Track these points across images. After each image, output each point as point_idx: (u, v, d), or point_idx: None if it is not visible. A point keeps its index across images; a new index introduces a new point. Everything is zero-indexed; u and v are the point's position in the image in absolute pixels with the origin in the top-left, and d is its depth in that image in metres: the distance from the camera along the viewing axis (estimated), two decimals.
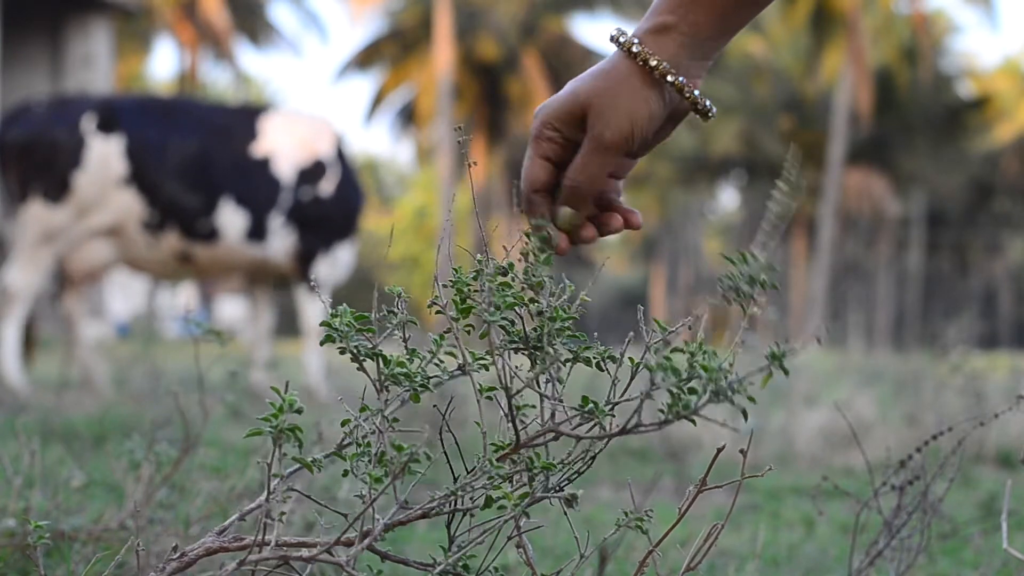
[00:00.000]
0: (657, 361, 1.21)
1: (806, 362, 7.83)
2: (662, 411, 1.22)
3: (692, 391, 1.21)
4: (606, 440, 1.26)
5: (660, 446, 4.52)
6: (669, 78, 1.29)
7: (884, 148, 37.86)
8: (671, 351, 1.22)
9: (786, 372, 1.21)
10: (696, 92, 1.30)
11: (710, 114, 1.33)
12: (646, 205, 42.08)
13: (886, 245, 40.03)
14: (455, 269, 1.26)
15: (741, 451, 1.30)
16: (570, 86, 1.32)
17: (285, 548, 1.24)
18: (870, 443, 4.23)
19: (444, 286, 1.26)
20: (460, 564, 1.26)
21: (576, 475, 1.28)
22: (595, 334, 1.32)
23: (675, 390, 1.20)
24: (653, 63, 1.28)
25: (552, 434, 1.25)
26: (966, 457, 3.53)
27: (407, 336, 1.26)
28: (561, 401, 1.26)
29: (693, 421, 1.23)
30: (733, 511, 1.35)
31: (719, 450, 1.28)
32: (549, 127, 1.32)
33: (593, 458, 1.28)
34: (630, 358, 1.25)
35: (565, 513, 1.30)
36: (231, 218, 6.87)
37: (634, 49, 1.29)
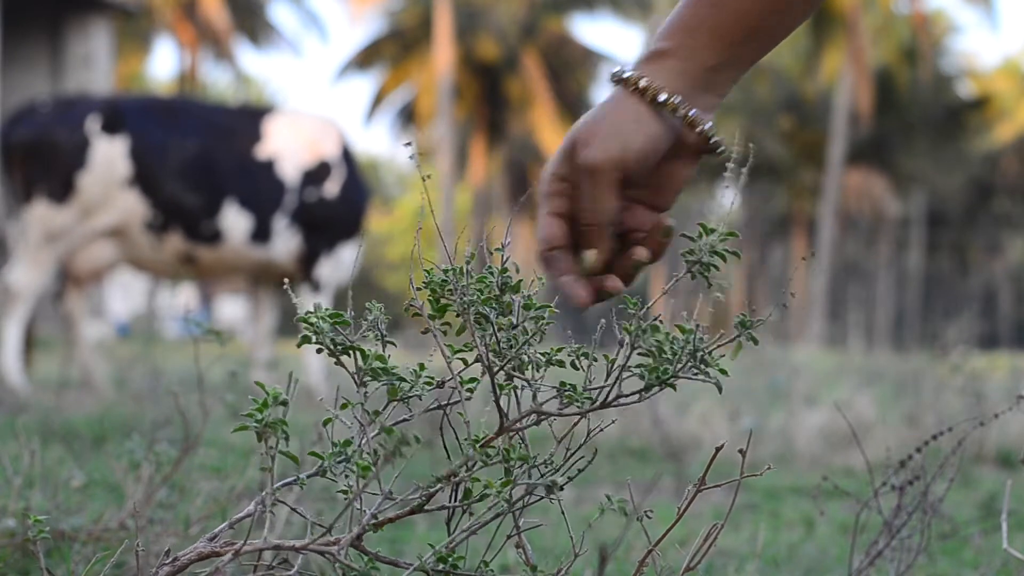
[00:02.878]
0: (635, 326, 1.22)
1: (806, 362, 7.83)
2: (642, 377, 1.23)
3: (671, 356, 1.22)
4: (587, 434, 1.26)
5: (660, 446, 4.52)
6: (661, 97, 1.22)
7: (884, 148, 37.86)
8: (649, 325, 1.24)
9: (755, 341, 1.22)
10: (693, 112, 1.23)
11: (718, 148, 1.26)
12: None
13: (886, 245, 40.03)
14: (426, 271, 1.26)
15: (740, 451, 1.30)
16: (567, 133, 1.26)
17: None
18: (870, 443, 4.23)
19: (418, 288, 1.26)
20: (450, 563, 1.26)
21: (576, 472, 1.28)
22: (568, 332, 1.33)
23: (654, 351, 1.22)
24: (643, 84, 1.22)
25: (535, 416, 1.25)
26: (966, 457, 3.53)
27: (384, 333, 1.26)
28: (538, 381, 1.26)
29: (673, 387, 1.23)
30: (732, 511, 1.35)
31: (718, 449, 1.28)
32: (554, 179, 1.24)
33: (579, 451, 1.28)
34: (605, 355, 1.26)
35: (563, 513, 1.30)
36: (235, 220, 6.87)
37: (625, 74, 1.23)
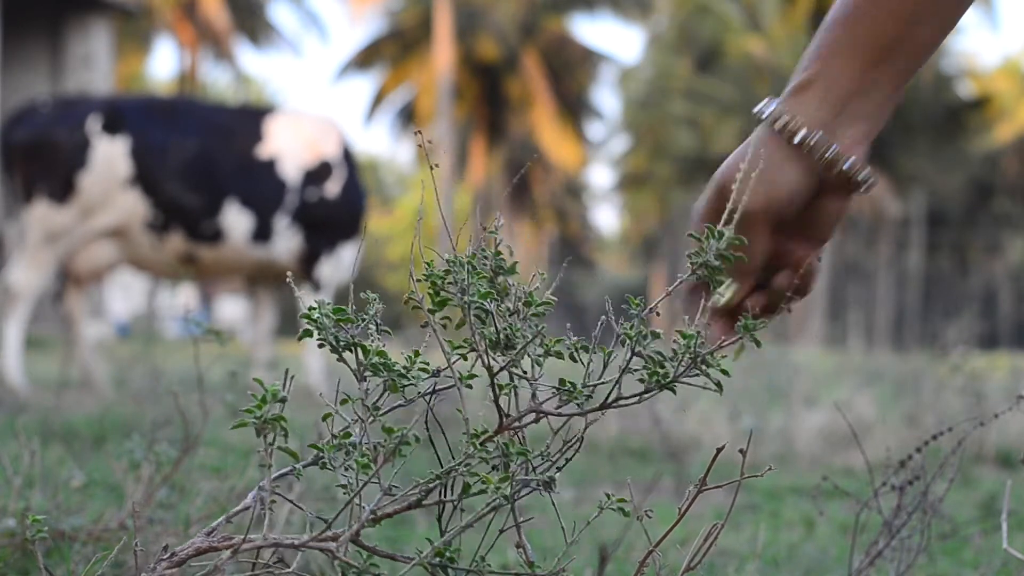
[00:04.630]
0: (635, 329, 1.22)
1: (806, 362, 7.83)
2: (642, 380, 1.23)
3: (669, 359, 1.22)
4: (584, 425, 1.26)
5: (660, 446, 4.51)
6: (797, 138, 1.16)
7: (884, 148, 37.87)
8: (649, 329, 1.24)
9: (758, 343, 1.21)
10: (832, 151, 1.17)
11: (861, 181, 1.19)
12: (646, 205, 42.08)
13: (886, 245, 40.04)
14: (427, 263, 1.25)
15: (740, 451, 1.30)
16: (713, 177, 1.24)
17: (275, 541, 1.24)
18: (870, 443, 4.23)
19: (417, 280, 1.26)
20: (447, 556, 1.26)
21: (564, 462, 1.28)
22: (567, 325, 1.32)
23: (654, 356, 1.22)
24: (779, 124, 1.17)
25: (534, 415, 1.25)
26: (966, 457, 3.53)
27: (380, 324, 1.26)
28: (538, 380, 1.26)
29: (673, 390, 1.23)
30: (733, 511, 1.35)
31: (719, 450, 1.28)
32: (702, 221, 1.24)
33: (575, 445, 1.27)
34: (602, 347, 1.26)
35: (567, 514, 1.30)
36: (236, 219, 6.87)
37: (765, 112, 1.20)
